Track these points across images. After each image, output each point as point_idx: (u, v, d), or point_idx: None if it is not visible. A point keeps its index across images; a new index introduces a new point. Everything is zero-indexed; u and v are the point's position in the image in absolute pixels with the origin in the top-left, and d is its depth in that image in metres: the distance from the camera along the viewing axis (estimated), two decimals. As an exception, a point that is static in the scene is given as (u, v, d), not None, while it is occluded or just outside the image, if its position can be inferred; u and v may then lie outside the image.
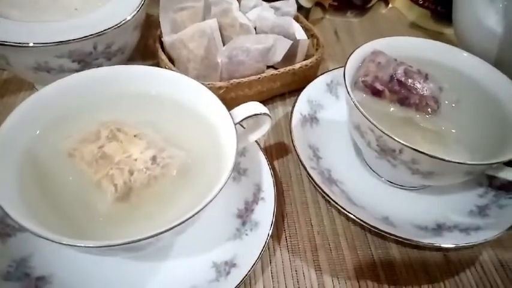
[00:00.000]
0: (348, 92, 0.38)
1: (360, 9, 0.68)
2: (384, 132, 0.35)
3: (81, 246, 0.25)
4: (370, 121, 0.35)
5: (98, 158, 0.32)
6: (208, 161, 0.33)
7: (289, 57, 0.50)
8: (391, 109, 0.40)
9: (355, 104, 0.37)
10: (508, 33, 0.48)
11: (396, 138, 0.34)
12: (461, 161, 0.33)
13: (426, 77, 0.41)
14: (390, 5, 0.72)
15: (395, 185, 0.44)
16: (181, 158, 0.33)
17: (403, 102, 0.40)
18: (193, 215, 0.27)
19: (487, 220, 0.40)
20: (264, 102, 0.49)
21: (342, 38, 0.64)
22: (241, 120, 0.35)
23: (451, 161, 0.32)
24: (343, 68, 0.40)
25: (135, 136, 0.33)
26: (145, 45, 0.57)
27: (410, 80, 0.40)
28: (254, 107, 0.37)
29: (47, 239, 0.25)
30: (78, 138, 0.33)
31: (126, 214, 0.30)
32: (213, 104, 0.35)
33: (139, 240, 0.26)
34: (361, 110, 0.36)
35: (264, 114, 0.37)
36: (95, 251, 0.29)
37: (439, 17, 0.69)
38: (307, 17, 0.62)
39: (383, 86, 0.40)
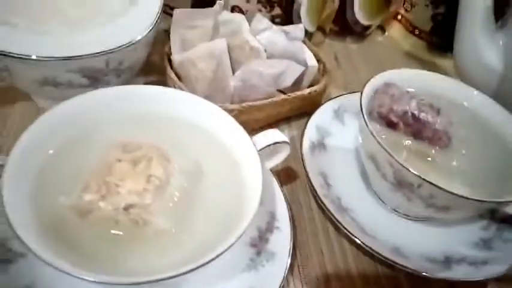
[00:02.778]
0: (366, 122, 0.38)
1: (358, 36, 0.70)
2: (404, 167, 0.35)
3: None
4: (390, 154, 0.35)
5: (109, 164, 0.31)
6: (229, 202, 0.32)
7: (296, 82, 0.50)
8: (406, 142, 0.40)
9: (373, 136, 0.37)
10: (507, 71, 0.50)
11: (417, 173, 0.34)
12: (484, 199, 0.33)
13: (438, 112, 0.42)
14: (386, 33, 0.74)
15: (401, 215, 0.44)
16: (159, 227, 0.29)
17: (416, 135, 0.40)
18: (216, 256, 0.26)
19: (492, 254, 0.40)
20: (271, 126, 0.48)
21: (342, 64, 0.65)
22: (262, 149, 0.35)
23: (473, 199, 0.33)
24: (352, 96, 0.40)
25: (149, 176, 0.30)
26: (148, 61, 0.55)
27: (423, 114, 0.41)
28: (274, 134, 0.36)
29: (68, 274, 0.24)
30: (123, 140, 0.32)
31: (76, 227, 0.28)
32: (234, 131, 0.34)
33: (164, 278, 0.25)
34: (381, 142, 0.36)
35: (284, 142, 0.36)
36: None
37: (434, 48, 0.71)
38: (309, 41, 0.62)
39: (397, 119, 0.40)
